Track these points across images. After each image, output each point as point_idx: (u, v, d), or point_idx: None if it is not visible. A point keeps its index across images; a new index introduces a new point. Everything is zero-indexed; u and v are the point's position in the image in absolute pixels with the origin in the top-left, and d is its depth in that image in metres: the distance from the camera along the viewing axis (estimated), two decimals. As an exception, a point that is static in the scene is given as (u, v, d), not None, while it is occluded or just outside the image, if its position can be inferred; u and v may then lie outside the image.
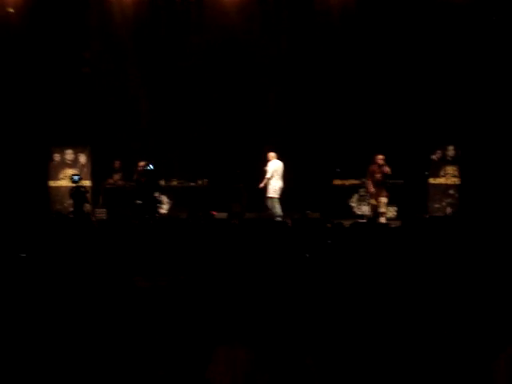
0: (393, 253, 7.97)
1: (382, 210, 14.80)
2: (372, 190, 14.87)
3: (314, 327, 5.24)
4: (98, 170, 17.10)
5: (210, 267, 7.38)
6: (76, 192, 15.23)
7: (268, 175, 15.35)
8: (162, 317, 5.62)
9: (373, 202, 15.06)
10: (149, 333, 5.32)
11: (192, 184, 17.07)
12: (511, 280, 6.42)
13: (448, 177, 16.30)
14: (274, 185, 15.38)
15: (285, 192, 15.53)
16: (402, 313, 5.50)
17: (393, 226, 11.53)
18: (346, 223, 10.37)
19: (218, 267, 7.30)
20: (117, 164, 17.14)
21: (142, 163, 15.49)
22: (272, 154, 15.52)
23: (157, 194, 15.70)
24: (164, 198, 16.60)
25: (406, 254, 7.83)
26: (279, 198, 15.39)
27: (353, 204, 16.61)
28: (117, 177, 17.18)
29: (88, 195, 15.70)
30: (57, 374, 4.83)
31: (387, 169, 14.66)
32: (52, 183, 16.93)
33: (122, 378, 4.84)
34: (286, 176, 15.58)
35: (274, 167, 15.44)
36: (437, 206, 16.21)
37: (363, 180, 15.87)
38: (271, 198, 15.35)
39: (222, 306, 5.79)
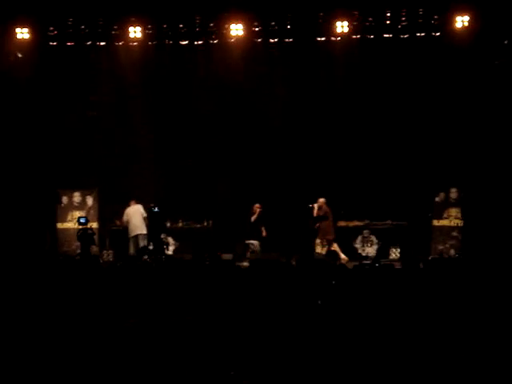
0: (397, 294, 8.03)
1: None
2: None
3: (316, 367, 5.34)
4: (104, 212, 17.30)
5: (217, 308, 7.47)
6: (83, 234, 15.30)
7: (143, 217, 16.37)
8: (169, 356, 5.71)
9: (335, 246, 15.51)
10: (158, 372, 5.41)
11: (197, 225, 17.21)
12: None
13: (451, 219, 16.40)
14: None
15: (290, 233, 15.97)
16: (406, 355, 5.60)
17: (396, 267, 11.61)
18: (350, 265, 10.50)
19: (225, 309, 7.39)
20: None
21: None
22: (133, 201, 16.43)
23: (163, 236, 15.82)
24: (170, 240, 16.73)
25: (409, 296, 7.90)
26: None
27: (357, 245, 16.72)
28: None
29: (95, 237, 15.80)
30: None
31: None
32: (60, 225, 17.09)
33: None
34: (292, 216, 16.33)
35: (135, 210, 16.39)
36: (440, 247, 16.25)
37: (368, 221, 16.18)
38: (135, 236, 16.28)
39: (228, 346, 5.89)
